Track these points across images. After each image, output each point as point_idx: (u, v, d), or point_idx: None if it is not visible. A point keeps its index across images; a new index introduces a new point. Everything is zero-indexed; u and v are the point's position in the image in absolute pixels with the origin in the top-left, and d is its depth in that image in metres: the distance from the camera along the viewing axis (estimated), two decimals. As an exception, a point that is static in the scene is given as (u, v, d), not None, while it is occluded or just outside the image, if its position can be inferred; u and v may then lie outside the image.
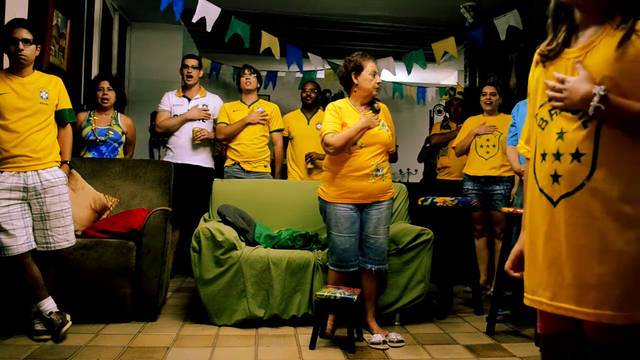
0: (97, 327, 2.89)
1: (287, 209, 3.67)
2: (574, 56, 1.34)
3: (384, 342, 2.74)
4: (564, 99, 1.30)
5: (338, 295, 2.70)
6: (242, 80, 4.18)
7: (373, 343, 2.74)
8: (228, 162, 4.14)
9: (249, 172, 4.06)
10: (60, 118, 2.84)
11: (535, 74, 1.46)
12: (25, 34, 2.63)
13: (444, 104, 5.75)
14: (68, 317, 2.68)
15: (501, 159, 3.91)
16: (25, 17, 3.18)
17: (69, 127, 2.92)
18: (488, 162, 3.96)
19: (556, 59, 1.39)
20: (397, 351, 2.69)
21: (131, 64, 5.93)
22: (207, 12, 4.18)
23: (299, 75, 5.99)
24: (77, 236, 2.91)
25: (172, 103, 4.15)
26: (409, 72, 5.27)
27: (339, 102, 2.98)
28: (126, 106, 4.79)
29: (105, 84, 3.71)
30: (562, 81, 1.30)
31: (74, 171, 3.15)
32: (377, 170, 2.84)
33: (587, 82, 1.26)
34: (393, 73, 5.31)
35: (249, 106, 4.15)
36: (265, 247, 3.27)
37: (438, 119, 6.85)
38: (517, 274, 1.54)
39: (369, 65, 2.88)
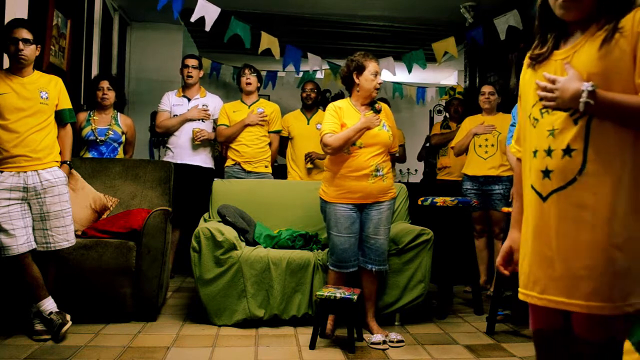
0: (97, 327, 2.89)
1: (287, 209, 3.67)
2: (561, 57, 1.39)
3: (384, 342, 2.74)
4: (555, 98, 1.33)
5: (338, 295, 2.70)
6: (243, 81, 4.17)
7: (373, 343, 2.74)
8: (229, 162, 4.14)
9: (249, 172, 4.06)
10: (60, 118, 2.84)
11: (527, 76, 1.51)
12: (25, 34, 2.63)
13: (444, 104, 5.75)
14: (68, 317, 2.68)
15: (500, 159, 3.90)
16: (25, 17, 3.17)
17: (69, 127, 2.92)
18: (487, 161, 3.96)
19: (545, 61, 1.44)
20: (397, 351, 2.69)
21: (131, 64, 5.93)
22: (207, 11, 4.17)
23: (299, 75, 5.98)
24: (77, 236, 2.91)
25: (172, 103, 4.15)
26: (409, 72, 5.27)
27: (339, 103, 2.98)
28: (126, 106, 4.79)
29: (105, 84, 3.71)
30: (553, 81, 1.34)
31: (74, 171, 3.15)
32: (377, 170, 2.84)
33: (577, 80, 1.30)
34: (393, 73, 5.31)
35: (249, 106, 4.14)
36: (265, 247, 3.27)
37: (438, 119, 6.85)
38: (506, 271, 1.61)
39: (371, 66, 2.88)
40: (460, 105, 4.92)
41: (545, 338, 1.52)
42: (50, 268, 2.78)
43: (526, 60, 1.52)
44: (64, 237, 2.77)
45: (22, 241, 2.62)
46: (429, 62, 5.35)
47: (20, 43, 2.62)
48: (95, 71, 4.60)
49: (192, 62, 4.14)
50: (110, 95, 3.72)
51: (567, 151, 1.34)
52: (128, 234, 3.02)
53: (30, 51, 2.67)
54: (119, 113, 3.83)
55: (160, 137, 4.74)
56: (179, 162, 4.00)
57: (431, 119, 7.57)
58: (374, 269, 2.88)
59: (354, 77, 2.90)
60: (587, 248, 1.31)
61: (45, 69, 3.31)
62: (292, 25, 5.92)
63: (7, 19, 2.89)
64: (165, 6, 4.00)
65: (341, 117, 2.88)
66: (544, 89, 1.35)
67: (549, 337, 1.51)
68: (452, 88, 5.22)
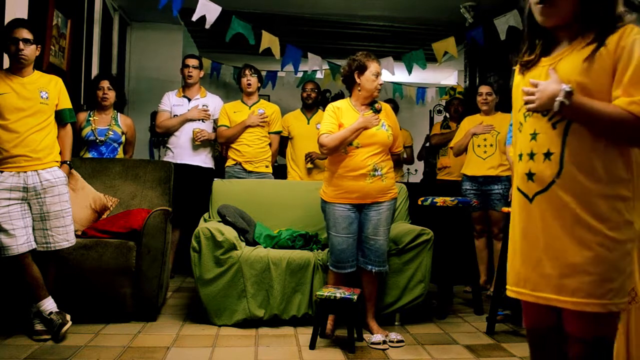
0: (97, 327, 2.89)
1: (287, 209, 3.67)
2: (548, 64, 1.45)
3: (384, 342, 2.74)
4: (535, 99, 1.39)
5: (338, 295, 2.70)
6: (243, 82, 4.16)
7: (373, 343, 2.74)
8: (229, 162, 4.13)
9: (250, 172, 4.06)
10: (60, 118, 2.84)
11: (516, 81, 1.58)
12: (25, 34, 2.63)
13: (444, 104, 5.75)
14: (68, 317, 2.68)
15: (499, 159, 3.89)
16: (25, 17, 3.18)
17: (69, 127, 2.93)
18: (486, 161, 3.95)
19: (534, 67, 1.50)
20: (397, 351, 2.69)
21: (131, 64, 5.93)
22: (208, 10, 4.18)
23: (299, 75, 5.99)
24: (77, 236, 2.91)
25: (173, 103, 4.15)
26: (409, 72, 5.27)
27: (338, 103, 2.98)
28: (126, 106, 4.79)
29: (105, 84, 3.71)
30: (536, 85, 1.41)
31: (74, 171, 3.15)
32: (375, 170, 2.84)
33: (557, 83, 1.36)
34: (392, 73, 5.31)
35: (250, 107, 4.14)
36: (265, 247, 3.27)
37: (438, 119, 6.85)
38: None
39: (373, 66, 2.88)
40: (460, 105, 4.92)
41: (538, 336, 1.57)
42: (50, 268, 2.78)
43: (517, 67, 1.59)
44: (64, 237, 2.77)
45: (22, 241, 2.62)
46: (429, 62, 5.35)
47: (21, 43, 2.62)
48: (95, 71, 4.60)
49: (192, 62, 4.14)
50: (111, 95, 3.72)
51: (547, 155, 1.40)
52: (128, 234, 3.02)
53: (30, 51, 2.67)
54: (118, 113, 3.83)
55: (161, 137, 4.75)
56: (179, 162, 4.00)
57: (431, 119, 7.57)
58: (373, 270, 2.88)
59: (355, 76, 2.90)
60: (573, 247, 1.36)
61: (45, 69, 3.31)
62: (292, 25, 5.92)
63: (7, 19, 2.89)
64: (166, 6, 4.00)
65: (339, 117, 2.88)
66: (527, 92, 1.42)
67: (542, 335, 1.56)
68: (452, 88, 5.22)
